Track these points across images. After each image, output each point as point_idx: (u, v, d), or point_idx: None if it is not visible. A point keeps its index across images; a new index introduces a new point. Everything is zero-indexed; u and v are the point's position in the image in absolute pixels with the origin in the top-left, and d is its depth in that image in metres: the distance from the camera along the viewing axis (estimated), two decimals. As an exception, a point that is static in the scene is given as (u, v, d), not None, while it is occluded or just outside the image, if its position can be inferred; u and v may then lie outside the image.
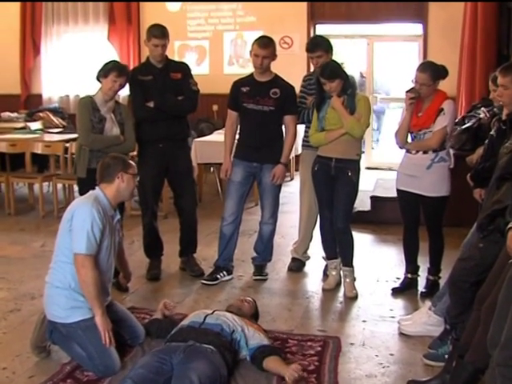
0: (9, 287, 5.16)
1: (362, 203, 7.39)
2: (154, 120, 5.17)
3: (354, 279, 5.03)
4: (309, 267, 5.68)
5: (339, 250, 5.07)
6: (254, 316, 4.16)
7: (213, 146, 7.87)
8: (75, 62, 11.67)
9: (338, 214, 4.90)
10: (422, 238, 5.01)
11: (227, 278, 5.33)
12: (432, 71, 4.63)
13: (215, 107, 10.83)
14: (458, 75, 8.99)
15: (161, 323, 4.09)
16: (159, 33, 5.13)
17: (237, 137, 5.37)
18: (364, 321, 4.49)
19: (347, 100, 4.77)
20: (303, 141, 5.50)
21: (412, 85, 4.73)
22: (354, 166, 4.89)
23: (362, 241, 6.49)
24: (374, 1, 10.27)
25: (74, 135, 7.34)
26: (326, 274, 5.34)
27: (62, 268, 3.74)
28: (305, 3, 10.69)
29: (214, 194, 8.81)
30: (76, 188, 5.86)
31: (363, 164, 10.69)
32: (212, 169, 9.03)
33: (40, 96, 12.01)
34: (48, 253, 6.06)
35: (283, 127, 5.25)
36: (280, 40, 10.70)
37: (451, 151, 6.83)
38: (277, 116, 5.12)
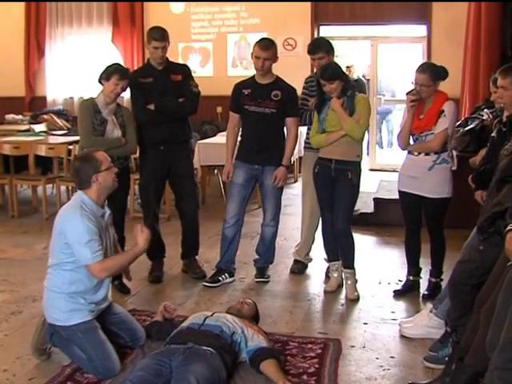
0: (11, 289, 5.17)
1: (365, 205, 7.39)
2: (155, 122, 5.16)
3: (356, 281, 5.02)
4: (311, 269, 5.68)
5: (340, 252, 5.06)
6: (254, 318, 4.15)
7: (216, 148, 7.86)
8: (79, 64, 11.71)
9: (338, 215, 4.89)
10: (423, 240, 5.00)
11: (229, 280, 5.32)
12: (431, 72, 4.62)
13: (219, 109, 10.83)
14: (462, 76, 8.97)
15: (161, 325, 4.08)
16: (159, 35, 5.13)
17: (239, 139, 5.36)
18: (365, 323, 4.48)
19: (346, 101, 4.76)
20: (305, 143, 5.50)
21: (412, 86, 4.73)
22: (355, 167, 4.87)
23: (365, 243, 6.49)
24: (378, 2, 10.27)
25: (78, 137, 7.35)
26: (327, 276, 5.33)
27: (60, 274, 3.76)
28: (308, 5, 10.71)
29: (217, 196, 8.81)
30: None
31: (367, 166, 10.76)
32: (216, 171, 9.03)
33: (44, 98, 12.06)
34: (51, 255, 6.10)
35: (285, 129, 5.25)
36: (284, 42, 10.73)
37: (454, 153, 6.83)
38: (278, 118, 5.12)
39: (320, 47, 5.22)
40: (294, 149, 5.28)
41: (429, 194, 4.74)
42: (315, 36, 10.49)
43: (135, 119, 5.12)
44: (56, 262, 3.77)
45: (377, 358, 3.91)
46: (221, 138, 8.37)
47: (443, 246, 4.94)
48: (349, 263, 5.00)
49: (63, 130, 10.20)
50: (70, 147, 7.77)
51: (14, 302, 4.89)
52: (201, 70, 11.14)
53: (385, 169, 10.69)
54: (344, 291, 5.05)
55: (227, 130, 5.39)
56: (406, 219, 5.00)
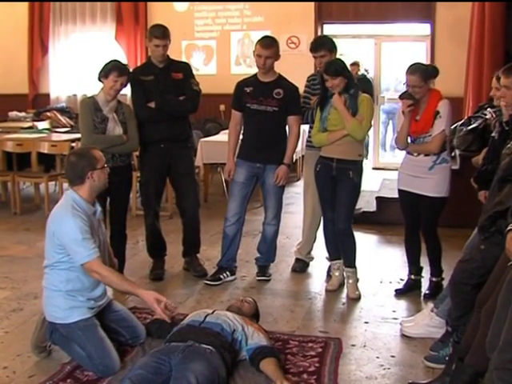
0: (12, 286, 5.17)
1: (368, 204, 7.39)
2: (156, 120, 5.16)
3: (357, 280, 5.02)
4: (312, 268, 5.67)
5: (341, 251, 5.05)
6: (254, 316, 4.15)
7: (219, 146, 7.83)
8: (83, 61, 11.70)
9: (339, 215, 4.88)
10: (424, 240, 4.99)
11: (230, 278, 5.32)
12: (422, 72, 4.62)
13: (222, 107, 10.81)
14: (466, 75, 8.96)
15: (162, 323, 4.06)
16: (160, 33, 5.12)
17: (241, 137, 5.36)
18: (366, 322, 4.47)
19: (349, 100, 4.74)
20: (307, 141, 5.49)
21: (404, 89, 4.73)
22: (356, 166, 4.86)
23: (367, 241, 6.49)
24: (382, 1, 10.25)
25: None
26: (329, 275, 5.33)
27: (56, 273, 3.77)
28: (312, 3, 10.68)
29: (219, 195, 8.80)
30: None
31: (370, 164, 10.75)
32: (218, 169, 9.02)
33: (48, 95, 12.06)
34: (52, 252, 6.10)
35: (287, 128, 5.24)
36: (287, 40, 10.72)
37: (457, 152, 6.82)
38: (280, 116, 5.11)
39: (322, 45, 5.21)
40: (295, 147, 5.27)
41: (428, 192, 4.73)
42: (319, 34, 10.46)
43: (135, 117, 5.11)
44: (51, 263, 3.79)
45: (377, 357, 3.91)
46: (223, 136, 8.34)
47: (439, 245, 4.93)
48: (350, 262, 4.99)
49: (66, 127, 10.19)
50: (73, 144, 7.77)
51: (15, 299, 4.89)
52: (204, 68, 11.14)
53: (388, 167, 10.67)
54: (345, 290, 5.04)
55: (229, 128, 5.38)
56: (405, 218, 4.99)
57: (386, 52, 11.45)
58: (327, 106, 4.83)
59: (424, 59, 10.20)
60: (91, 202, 3.86)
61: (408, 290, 5.01)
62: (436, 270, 4.93)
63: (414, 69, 4.65)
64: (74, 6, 11.79)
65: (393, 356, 3.93)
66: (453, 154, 7.05)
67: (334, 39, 5.52)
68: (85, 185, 3.79)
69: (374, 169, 11.04)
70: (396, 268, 5.62)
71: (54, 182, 8.27)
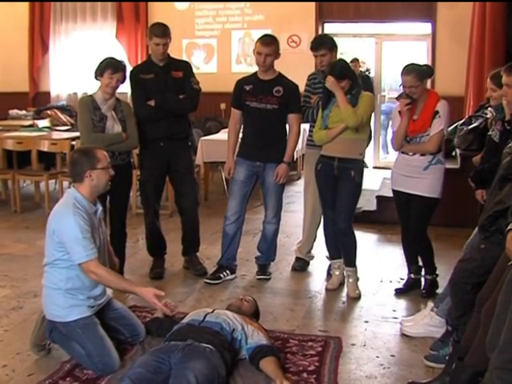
0: (12, 285, 5.17)
1: (368, 203, 7.38)
2: (155, 119, 5.15)
3: (357, 279, 5.02)
4: (312, 267, 5.67)
5: (342, 250, 5.04)
6: (254, 315, 4.14)
7: (219, 144, 7.81)
8: (83, 59, 11.66)
9: (340, 214, 4.88)
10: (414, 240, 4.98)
11: (230, 277, 5.32)
12: (416, 72, 4.62)
13: (223, 106, 10.81)
14: (466, 75, 8.96)
15: (161, 322, 4.08)
16: (160, 32, 5.10)
17: (241, 135, 5.35)
18: (366, 321, 4.47)
19: (351, 99, 4.73)
20: (307, 140, 5.48)
21: (401, 90, 4.73)
22: (358, 165, 4.86)
23: (367, 241, 6.49)
24: (383, 0, 10.24)
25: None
26: (329, 274, 5.32)
27: (55, 271, 3.77)
28: (313, 2, 10.67)
29: (220, 193, 8.79)
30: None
31: (370, 163, 10.73)
32: (219, 167, 9.01)
33: (48, 94, 12.05)
34: (52, 251, 6.09)
35: (287, 126, 5.23)
36: (288, 39, 10.72)
37: (458, 151, 6.82)
38: (280, 114, 5.10)
39: (323, 44, 5.21)
40: (295, 145, 5.27)
41: (421, 192, 4.73)
42: (319, 33, 10.45)
43: (135, 115, 5.11)
44: (51, 261, 3.78)
45: (377, 357, 3.90)
46: (224, 135, 8.30)
47: (429, 244, 4.93)
48: (350, 261, 4.99)
49: (67, 125, 10.20)
50: (73, 143, 7.77)
51: (15, 297, 4.89)
52: (205, 67, 11.13)
53: (388, 167, 10.62)
54: (345, 289, 5.04)
55: (229, 126, 5.37)
56: (401, 218, 4.98)
57: (386, 51, 11.44)
58: (330, 105, 4.83)
59: (425, 58, 10.22)
60: (92, 200, 3.85)
61: (408, 290, 5.01)
62: (429, 268, 4.94)
63: (409, 69, 4.65)
64: (74, 4, 11.79)
65: (393, 355, 3.93)
66: (453, 153, 7.07)
67: (335, 38, 5.52)
68: (84, 183, 3.78)
69: (374, 168, 11.03)
70: (396, 267, 5.61)
71: (54, 181, 8.27)
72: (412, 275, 5.03)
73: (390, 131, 12.32)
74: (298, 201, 7.57)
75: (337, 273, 5.14)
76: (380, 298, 4.92)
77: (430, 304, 4.31)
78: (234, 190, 5.27)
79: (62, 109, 11.18)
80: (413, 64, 4.75)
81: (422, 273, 5.04)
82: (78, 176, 3.79)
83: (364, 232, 6.61)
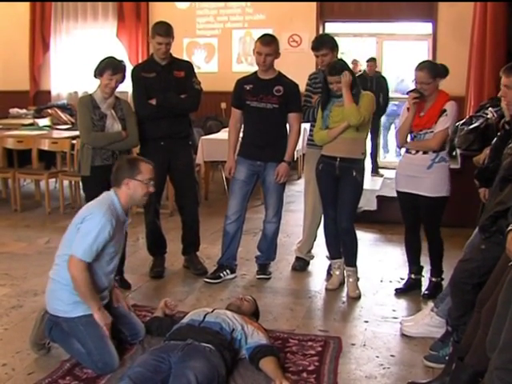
0: (12, 283, 5.16)
1: (369, 202, 7.37)
2: (156, 118, 5.14)
3: (358, 279, 5.01)
4: (312, 266, 5.66)
5: (342, 250, 5.05)
6: (254, 315, 4.14)
7: (220, 143, 7.80)
8: (84, 58, 11.65)
9: (341, 214, 4.87)
10: (424, 239, 4.99)
11: (230, 276, 5.31)
12: (429, 69, 4.61)
13: (223, 105, 10.82)
14: (467, 74, 8.95)
15: (161, 321, 4.08)
16: (163, 31, 5.10)
17: (241, 135, 5.35)
18: (366, 321, 4.47)
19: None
20: (308, 140, 5.48)
21: (413, 86, 4.71)
22: (359, 165, 4.86)
23: (368, 240, 6.49)
24: (384, 0, 10.24)
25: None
26: (329, 274, 5.32)
27: (64, 264, 3.71)
28: (314, 1, 10.66)
29: (220, 192, 8.79)
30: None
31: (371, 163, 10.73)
32: (219, 167, 9.01)
33: (49, 92, 12.07)
34: (53, 249, 6.00)
35: (287, 126, 5.22)
36: (289, 38, 10.74)
37: (458, 151, 6.81)
38: (280, 114, 5.10)
39: (324, 44, 5.20)
40: (296, 145, 5.26)
41: (427, 192, 4.71)
42: (320, 33, 10.45)
43: (136, 113, 5.10)
44: (67, 253, 3.72)
45: (377, 357, 3.90)
46: (224, 134, 8.29)
47: (441, 245, 4.91)
48: (351, 261, 4.99)
49: (67, 124, 10.18)
50: (74, 142, 7.75)
51: (15, 296, 4.88)
52: (205, 66, 11.14)
53: (388, 167, 10.66)
54: (345, 289, 5.04)
55: (229, 125, 5.37)
56: (405, 219, 4.97)
57: (387, 51, 11.43)
58: (329, 105, 4.83)
59: (426, 58, 10.18)
60: (125, 210, 3.88)
61: (408, 290, 5.00)
62: (436, 270, 4.91)
63: (423, 65, 4.64)
64: (75, 3, 11.81)
65: (392, 355, 3.93)
66: (454, 153, 7.05)
67: (336, 38, 5.52)
68: (121, 190, 3.82)
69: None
70: (396, 267, 5.62)
71: (54, 179, 8.24)
72: (412, 275, 5.02)
73: (391, 132, 12.37)
74: (298, 200, 7.56)
75: (337, 272, 5.13)
76: (380, 298, 4.92)
77: (430, 304, 4.32)
78: (235, 190, 5.26)
79: (63, 107, 11.17)
80: (428, 61, 4.74)
81: (423, 273, 5.04)
82: (116, 181, 3.84)
83: (364, 232, 6.61)
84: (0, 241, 6.43)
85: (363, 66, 10.98)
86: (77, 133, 7.95)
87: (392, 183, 7.53)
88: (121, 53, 10.90)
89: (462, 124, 6.86)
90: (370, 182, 9.16)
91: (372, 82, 10.08)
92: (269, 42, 5.00)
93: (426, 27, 10.62)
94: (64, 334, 3.77)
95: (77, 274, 3.62)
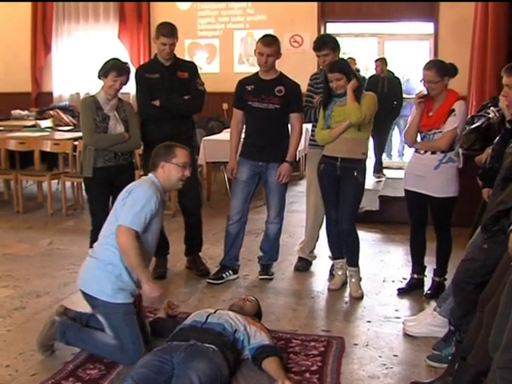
0: (15, 285, 5.16)
1: (371, 203, 7.37)
2: (160, 119, 5.14)
3: (360, 279, 5.01)
4: (315, 267, 5.66)
5: (345, 250, 5.04)
6: (256, 315, 4.14)
7: (222, 144, 7.81)
8: (86, 60, 11.71)
9: (343, 214, 4.87)
10: (429, 239, 4.97)
11: (233, 277, 5.32)
12: (437, 68, 4.58)
13: (225, 106, 10.83)
14: (469, 74, 8.94)
15: (164, 322, 4.08)
16: (168, 31, 5.10)
17: (243, 136, 5.35)
18: (369, 321, 4.46)
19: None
20: (310, 140, 5.48)
21: (421, 85, 4.71)
22: (360, 165, 4.85)
23: (370, 240, 6.49)
24: (385, 0, 10.24)
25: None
26: (332, 274, 5.32)
27: (113, 246, 3.73)
28: (315, 2, 10.67)
29: (222, 193, 8.79)
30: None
31: (373, 163, 10.73)
32: (221, 167, 9.01)
33: (51, 94, 12.09)
34: (55, 251, 6.13)
35: (289, 126, 5.23)
36: (290, 39, 10.75)
37: (460, 151, 6.80)
38: (282, 114, 5.10)
39: (326, 44, 5.21)
40: (298, 145, 5.26)
41: (435, 193, 4.70)
42: (322, 33, 10.46)
43: (139, 114, 5.10)
44: (114, 229, 3.72)
45: (380, 357, 3.89)
46: (226, 135, 8.30)
47: (449, 245, 4.90)
48: (353, 261, 4.99)
49: (69, 125, 10.21)
50: (76, 143, 7.77)
51: (18, 297, 4.88)
52: (207, 67, 11.15)
53: (391, 167, 10.67)
54: (348, 289, 5.04)
55: (231, 126, 5.38)
56: (411, 218, 4.97)
57: (389, 50, 11.43)
58: (331, 104, 4.83)
59: (427, 58, 10.19)
60: (165, 192, 3.99)
61: (411, 289, 4.99)
62: (440, 270, 4.90)
63: (431, 64, 4.63)
64: (76, 4, 11.83)
65: (395, 355, 3.92)
66: (457, 152, 7.05)
67: (337, 38, 5.53)
68: (158, 173, 3.90)
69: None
70: (399, 267, 5.62)
71: (56, 181, 8.25)
72: (415, 275, 5.02)
73: (395, 132, 12.36)
74: (300, 201, 7.56)
75: (339, 273, 5.13)
76: (382, 298, 4.92)
77: (433, 304, 4.31)
78: (237, 190, 5.26)
79: (65, 109, 11.21)
80: (437, 60, 4.73)
81: (426, 273, 5.04)
82: (154, 165, 3.93)
83: (366, 232, 6.61)
84: (2, 242, 6.44)
85: (368, 64, 10.96)
86: (79, 134, 7.98)
87: (394, 183, 7.59)
88: (122, 54, 10.90)
89: (464, 124, 6.85)
90: (373, 183, 9.18)
91: (384, 83, 9.90)
92: (270, 43, 5.00)
93: (428, 27, 10.63)
94: (80, 334, 3.81)
95: (126, 242, 3.64)
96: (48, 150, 7.97)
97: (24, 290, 5.03)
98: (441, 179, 4.69)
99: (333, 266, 5.31)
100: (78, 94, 11.92)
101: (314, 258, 5.70)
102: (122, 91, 4.91)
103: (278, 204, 5.30)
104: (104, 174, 4.88)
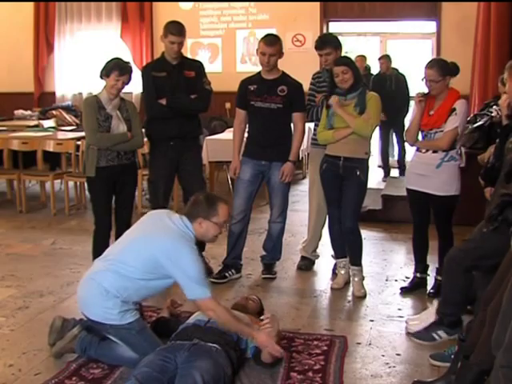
0: (18, 284, 5.17)
1: (374, 202, 7.37)
2: (166, 117, 5.14)
3: (363, 278, 5.01)
4: (318, 266, 5.66)
5: (347, 249, 5.04)
6: (259, 314, 4.14)
7: (225, 143, 7.82)
8: (88, 59, 11.73)
9: (346, 213, 4.87)
10: (431, 238, 4.98)
11: (236, 276, 5.32)
12: (439, 66, 4.58)
13: (228, 105, 10.83)
14: (472, 73, 8.95)
15: (167, 321, 4.08)
16: (176, 30, 5.09)
17: (246, 135, 5.35)
18: (372, 320, 4.46)
19: (357, 99, 4.73)
20: (312, 139, 5.48)
21: (423, 84, 4.70)
22: (363, 165, 4.85)
23: (373, 239, 6.49)
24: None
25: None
26: (334, 273, 5.32)
27: (120, 276, 3.62)
28: (317, 1, 10.68)
29: (225, 193, 8.77)
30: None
31: (376, 162, 10.73)
32: (224, 167, 9.01)
33: (53, 94, 12.10)
34: (58, 250, 6.13)
35: (292, 125, 5.23)
36: (292, 38, 10.75)
37: (463, 149, 6.79)
38: (285, 113, 5.10)
39: (327, 43, 5.20)
40: (300, 144, 5.27)
41: (436, 191, 4.70)
42: (324, 32, 10.45)
43: (146, 113, 5.10)
44: (125, 263, 3.63)
45: (383, 356, 3.90)
46: (229, 134, 8.30)
47: (451, 243, 4.89)
48: (356, 260, 4.99)
49: (72, 125, 10.21)
50: (79, 143, 7.77)
51: (21, 297, 4.89)
52: (210, 66, 11.11)
53: (393, 165, 10.65)
54: (351, 288, 5.04)
55: (234, 126, 5.38)
56: (413, 217, 4.97)
57: (391, 50, 11.43)
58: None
59: (430, 57, 10.19)
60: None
61: (413, 288, 4.99)
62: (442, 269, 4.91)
63: (433, 63, 4.63)
64: (79, 4, 11.84)
65: (398, 354, 3.92)
66: (458, 151, 7.04)
67: (340, 37, 5.54)
68: (194, 227, 3.71)
69: (379, 167, 11.01)
70: (401, 266, 5.62)
71: (59, 181, 8.27)
72: (418, 274, 5.01)
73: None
74: (303, 200, 7.56)
75: (342, 272, 5.13)
76: (385, 297, 4.92)
77: (436, 303, 4.31)
78: (240, 190, 5.27)
79: (68, 109, 11.23)
80: (439, 59, 4.73)
81: (429, 272, 5.04)
82: (191, 215, 3.73)
83: (369, 231, 6.61)
84: (6, 242, 6.45)
85: (370, 63, 10.91)
86: (81, 134, 7.99)
87: (397, 182, 7.59)
88: (125, 54, 10.91)
89: (467, 122, 6.83)
90: (376, 181, 9.16)
91: (391, 81, 9.73)
92: (272, 42, 5.00)
93: (430, 26, 10.62)
94: (101, 350, 3.74)
95: (217, 316, 3.57)
96: (51, 149, 7.97)
97: (27, 290, 5.04)
98: (443, 178, 4.68)
99: (336, 265, 5.31)
100: (80, 93, 11.93)
101: (317, 257, 5.70)
102: (124, 90, 4.90)
103: (280, 203, 5.30)
104: (107, 173, 4.88)
